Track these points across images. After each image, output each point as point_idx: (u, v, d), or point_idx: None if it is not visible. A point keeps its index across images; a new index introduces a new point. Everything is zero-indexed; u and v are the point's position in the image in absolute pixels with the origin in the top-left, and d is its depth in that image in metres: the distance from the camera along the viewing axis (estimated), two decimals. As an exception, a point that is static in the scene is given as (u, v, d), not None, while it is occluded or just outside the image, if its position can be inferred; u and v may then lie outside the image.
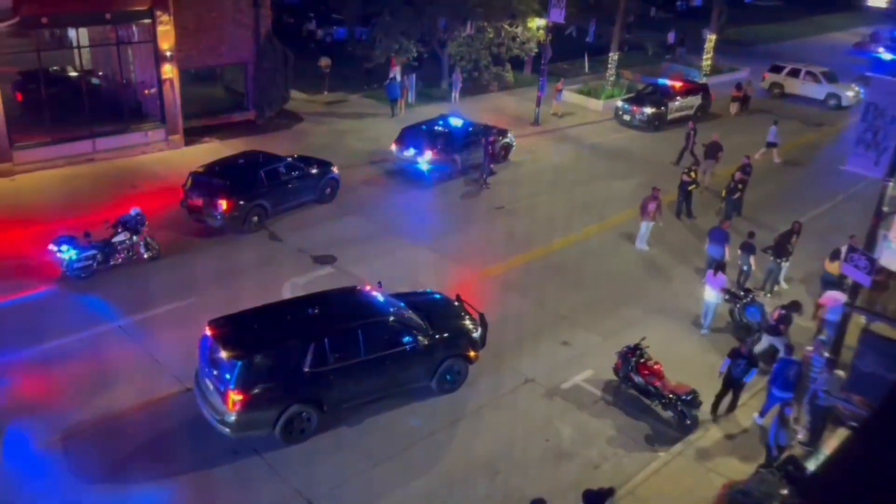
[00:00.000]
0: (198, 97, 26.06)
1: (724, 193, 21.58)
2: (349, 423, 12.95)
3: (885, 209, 13.11)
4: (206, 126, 26.01)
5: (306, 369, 12.18)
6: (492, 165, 24.07)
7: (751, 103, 34.12)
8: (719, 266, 16.62)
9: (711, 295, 16.33)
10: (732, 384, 13.67)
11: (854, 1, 70.88)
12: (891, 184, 12.77)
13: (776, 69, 37.61)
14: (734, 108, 33.31)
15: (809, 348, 13.96)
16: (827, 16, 63.78)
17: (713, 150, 23.97)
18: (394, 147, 24.00)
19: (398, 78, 29.93)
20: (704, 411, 13.56)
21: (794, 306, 15.37)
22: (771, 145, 27.02)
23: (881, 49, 47.36)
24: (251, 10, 26.21)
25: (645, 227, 19.79)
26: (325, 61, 31.82)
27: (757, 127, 29.38)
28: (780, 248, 17.89)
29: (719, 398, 13.75)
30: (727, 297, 16.50)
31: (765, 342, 15.25)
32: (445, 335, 13.73)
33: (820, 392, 12.92)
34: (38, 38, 21.87)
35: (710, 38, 39.13)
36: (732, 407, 13.92)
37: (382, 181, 23.61)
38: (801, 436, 13.16)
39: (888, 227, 14.06)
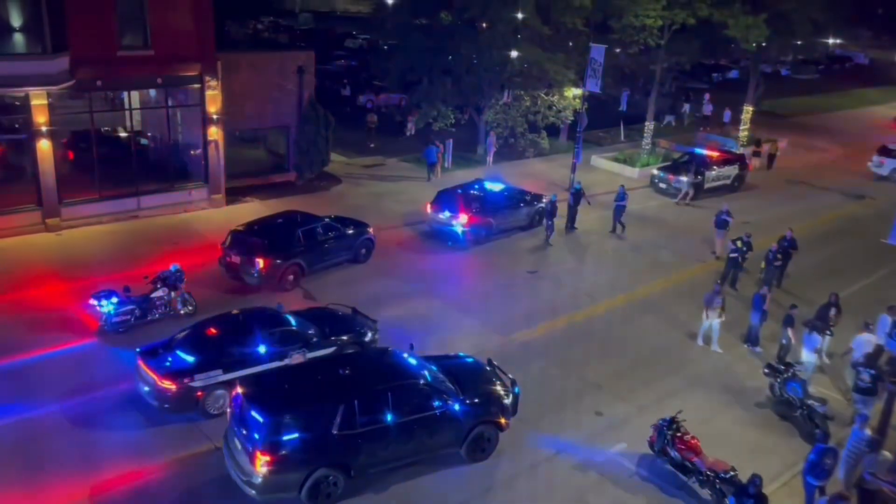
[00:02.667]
0: (240, 158, 26.84)
1: (763, 265, 21.29)
2: (375, 489, 12.70)
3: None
4: (247, 186, 26.67)
5: (335, 432, 12.06)
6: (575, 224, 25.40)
7: (776, 161, 35.61)
8: (814, 326, 16.73)
9: (810, 358, 16.53)
10: None
11: (893, 75, 70.86)
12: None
13: (887, 151, 35.04)
14: (756, 162, 34.63)
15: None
16: (865, 88, 63.70)
17: (723, 222, 23.55)
18: (429, 209, 24.27)
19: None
20: (744, 490, 13.02)
21: (878, 353, 15.50)
22: None
23: None
24: (295, 77, 27.14)
25: (709, 325, 18.14)
26: (372, 118, 35.82)
27: (796, 199, 29.16)
28: (821, 323, 17.45)
29: None
30: (766, 371, 16.08)
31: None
32: (476, 401, 13.54)
33: (866, 474, 12.37)
34: (91, 100, 22.83)
35: (747, 110, 39.30)
36: None
37: (417, 243, 23.79)
38: None
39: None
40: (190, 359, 14.08)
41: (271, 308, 15.83)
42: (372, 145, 34.30)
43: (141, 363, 14.22)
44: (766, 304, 18.15)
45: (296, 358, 14.72)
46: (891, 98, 59.47)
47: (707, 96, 46.27)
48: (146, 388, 14.03)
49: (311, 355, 14.90)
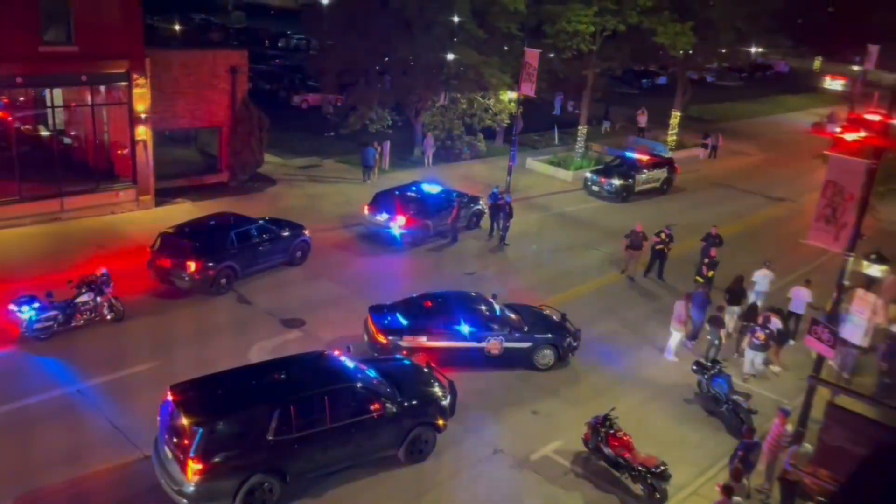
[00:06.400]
0: (171, 158, 26.12)
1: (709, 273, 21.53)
2: (312, 493, 12.57)
3: (846, 283, 13.49)
4: (178, 187, 25.98)
5: (270, 437, 11.87)
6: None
7: (719, 152, 40.20)
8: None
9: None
10: None
11: (811, 83, 74.19)
12: (850, 258, 13.16)
13: None
14: (703, 153, 39.65)
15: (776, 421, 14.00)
16: (785, 95, 66.48)
17: (638, 241, 22.67)
18: (366, 211, 24.13)
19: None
20: (675, 485, 13.41)
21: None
22: None
23: (837, 129, 49.22)
24: (228, 76, 26.58)
25: (679, 338, 18.17)
26: (328, 108, 38.34)
27: (722, 201, 30.18)
28: (750, 313, 18.43)
29: None
30: (695, 367, 16.61)
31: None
32: (414, 403, 13.53)
33: (787, 465, 12.90)
34: (11, 98, 21.82)
35: (675, 115, 40.53)
36: None
37: (354, 245, 23.63)
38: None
39: (849, 301, 14.43)
40: (404, 322, 16.27)
41: (482, 294, 17.70)
42: (332, 133, 35.19)
43: (369, 316, 16.54)
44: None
45: (492, 343, 16.40)
46: (809, 105, 62.21)
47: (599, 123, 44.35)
48: (366, 338, 16.36)
49: (506, 345, 16.58)
